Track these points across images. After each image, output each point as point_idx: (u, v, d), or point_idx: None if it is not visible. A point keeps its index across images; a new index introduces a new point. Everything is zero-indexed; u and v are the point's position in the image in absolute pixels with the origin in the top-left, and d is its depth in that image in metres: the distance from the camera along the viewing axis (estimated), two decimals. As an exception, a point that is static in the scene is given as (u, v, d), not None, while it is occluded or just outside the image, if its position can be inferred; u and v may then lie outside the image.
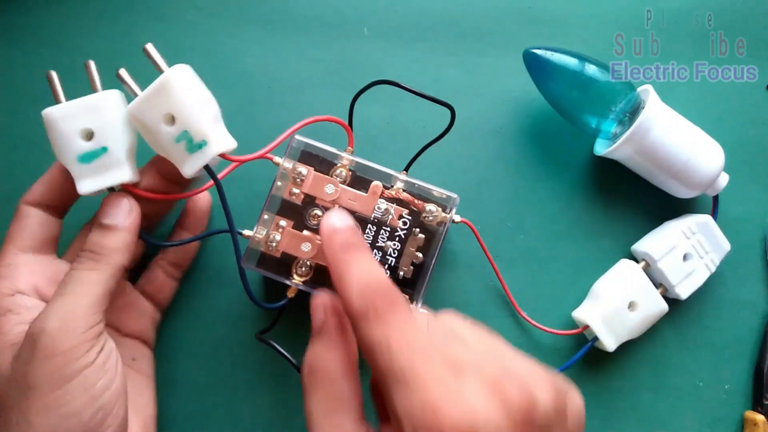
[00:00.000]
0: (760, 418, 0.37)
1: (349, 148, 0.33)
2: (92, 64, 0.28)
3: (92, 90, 0.27)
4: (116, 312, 0.32)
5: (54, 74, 0.27)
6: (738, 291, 0.39)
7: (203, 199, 0.35)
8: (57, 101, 0.27)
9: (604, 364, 0.38)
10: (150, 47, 0.27)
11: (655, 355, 0.38)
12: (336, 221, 0.26)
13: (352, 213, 0.32)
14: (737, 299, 0.39)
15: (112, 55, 0.37)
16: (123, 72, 0.27)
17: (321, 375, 0.24)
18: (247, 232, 0.31)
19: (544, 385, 0.22)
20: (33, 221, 0.29)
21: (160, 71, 0.27)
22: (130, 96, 0.28)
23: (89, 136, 0.27)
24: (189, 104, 0.27)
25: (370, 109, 0.37)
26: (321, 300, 0.26)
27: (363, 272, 0.24)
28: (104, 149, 0.27)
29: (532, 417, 0.21)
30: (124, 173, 0.27)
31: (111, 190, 0.28)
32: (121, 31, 0.38)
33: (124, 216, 0.28)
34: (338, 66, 0.38)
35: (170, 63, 0.37)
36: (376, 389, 0.26)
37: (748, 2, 0.41)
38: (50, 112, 0.27)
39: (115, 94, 0.28)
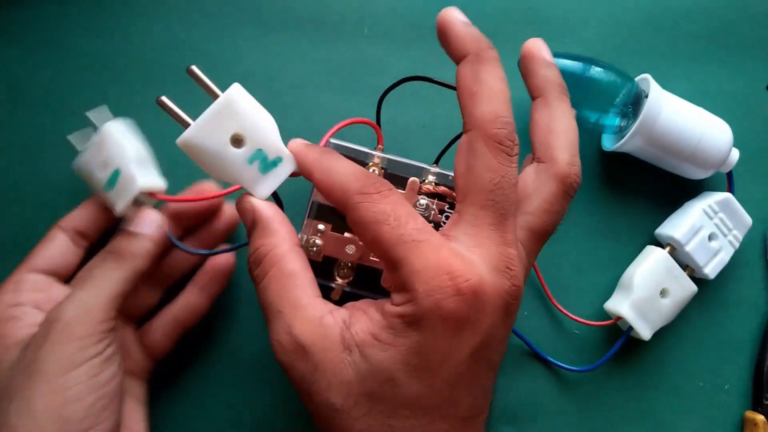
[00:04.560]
0: (760, 418, 0.37)
1: (380, 146, 0.33)
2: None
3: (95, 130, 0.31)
4: None
5: (70, 137, 0.31)
6: (738, 291, 0.39)
7: (224, 260, 0.33)
8: (77, 151, 0.30)
9: (605, 364, 0.38)
10: (195, 69, 0.26)
11: (655, 354, 0.38)
12: (300, 143, 0.27)
13: None
14: (737, 299, 0.39)
15: (112, 55, 0.37)
16: (165, 99, 0.26)
17: (267, 260, 0.25)
18: None
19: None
20: (56, 245, 0.30)
21: (212, 94, 0.26)
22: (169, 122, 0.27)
23: (105, 166, 0.29)
24: (260, 121, 0.26)
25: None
26: (248, 202, 0.26)
27: (349, 165, 0.25)
28: (117, 171, 0.28)
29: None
30: (138, 182, 0.28)
31: (137, 202, 0.29)
32: (121, 31, 0.38)
33: (151, 226, 0.29)
34: (338, 66, 0.38)
35: (171, 64, 0.38)
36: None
37: (748, 2, 0.41)
38: (76, 165, 0.30)
39: (110, 126, 0.30)
